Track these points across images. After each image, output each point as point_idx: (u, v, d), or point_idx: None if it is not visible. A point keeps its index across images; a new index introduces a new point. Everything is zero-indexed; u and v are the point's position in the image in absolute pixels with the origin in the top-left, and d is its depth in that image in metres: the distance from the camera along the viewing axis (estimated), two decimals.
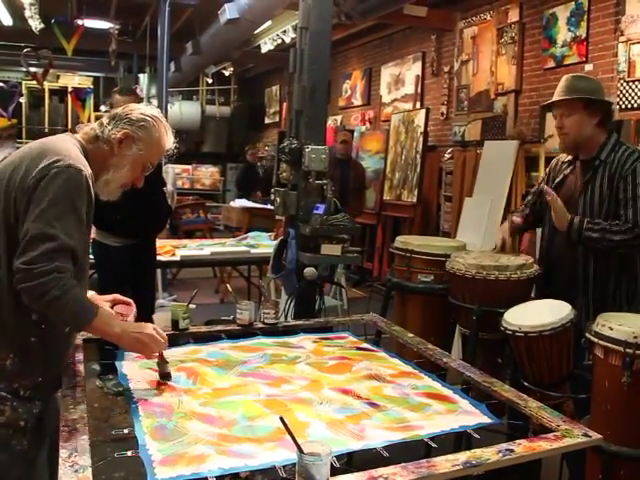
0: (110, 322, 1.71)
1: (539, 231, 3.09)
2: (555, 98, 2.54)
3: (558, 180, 2.64)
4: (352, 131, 8.64)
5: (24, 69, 10.14)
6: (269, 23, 7.94)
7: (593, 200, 2.48)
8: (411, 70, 7.93)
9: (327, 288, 5.07)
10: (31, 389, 1.69)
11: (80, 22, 8.77)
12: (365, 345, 2.31)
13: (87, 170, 1.67)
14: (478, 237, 5.34)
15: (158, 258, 4.19)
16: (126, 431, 1.49)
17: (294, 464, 1.26)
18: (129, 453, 1.39)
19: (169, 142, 1.88)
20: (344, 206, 6.21)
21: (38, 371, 1.70)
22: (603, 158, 2.48)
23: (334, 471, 1.27)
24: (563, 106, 2.51)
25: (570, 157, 2.65)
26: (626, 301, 2.47)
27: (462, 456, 1.39)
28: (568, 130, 2.51)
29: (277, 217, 4.11)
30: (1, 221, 1.62)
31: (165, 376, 1.83)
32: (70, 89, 12.51)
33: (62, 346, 1.79)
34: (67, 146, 1.70)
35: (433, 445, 1.52)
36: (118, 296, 2.00)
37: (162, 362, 1.83)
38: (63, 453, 1.34)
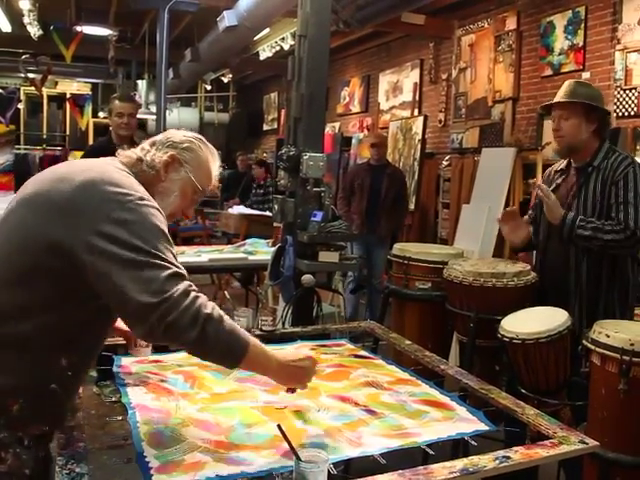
0: (266, 354, 1.49)
1: None
2: (557, 100, 2.55)
3: (551, 189, 2.65)
4: (350, 138, 8.65)
5: (22, 75, 10.13)
6: (267, 30, 7.98)
7: (586, 204, 2.50)
8: (409, 77, 7.95)
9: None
10: (35, 439, 1.45)
11: (79, 29, 8.81)
12: (362, 352, 2.31)
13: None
14: (476, 244, 5.35)
15: None
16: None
17: (291, 471, 1.26)
18: (126, 460, 1.39)
19: (216, 165, 1.73)
20: (375, 222, 5.58)
21: (48, 419, 1.48)
22: (596, 164, 2.50)
23: (331, 478, 1.27)
24: (563, 109, 2.52)
25: (563, 166, 2.68)
26: (619, 305, 2.48)
27: (459, 463, 1.39)
28: (565, 133, 2.52)
29: (275, 224, 4.11)
30: (41, 249, 1.36)
31: None
32: (68, 95, 12.50)
33: (76, 392, 1.62)
34: (130, 180, 1.49)
35: (430, 452, 1.52)
36: None
37: None
38: (60, 461, 1.35)
